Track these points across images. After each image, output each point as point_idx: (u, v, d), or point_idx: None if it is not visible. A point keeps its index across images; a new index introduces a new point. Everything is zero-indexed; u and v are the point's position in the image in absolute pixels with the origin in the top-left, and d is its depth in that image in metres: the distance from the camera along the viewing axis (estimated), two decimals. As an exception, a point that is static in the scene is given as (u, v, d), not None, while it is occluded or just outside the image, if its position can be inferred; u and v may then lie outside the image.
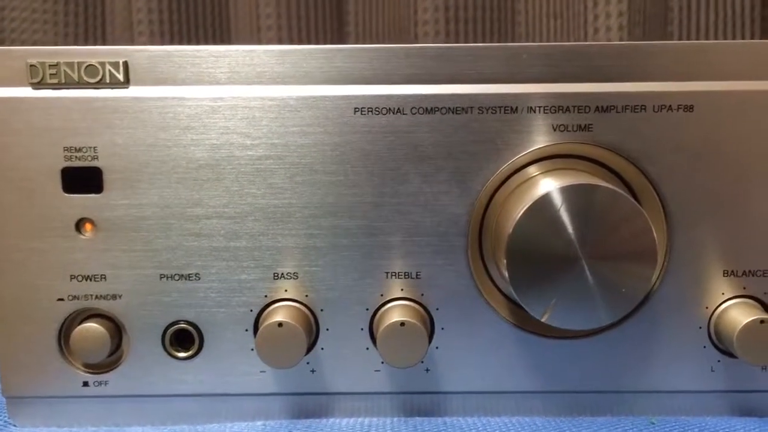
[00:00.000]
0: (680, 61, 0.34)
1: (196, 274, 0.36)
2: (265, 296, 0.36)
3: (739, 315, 0.34)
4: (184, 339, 0.36)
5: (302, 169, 0.35)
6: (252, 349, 0.35)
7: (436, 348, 0.36)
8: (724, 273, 0.35)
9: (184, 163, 0.35)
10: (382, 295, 0.36)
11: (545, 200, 0.32)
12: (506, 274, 0.32)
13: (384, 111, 0.35)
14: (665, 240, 0.35)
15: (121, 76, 0.34)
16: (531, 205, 0.32)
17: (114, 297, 0.36)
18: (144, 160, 0.35)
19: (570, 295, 0.32)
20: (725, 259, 0.35)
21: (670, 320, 0.36)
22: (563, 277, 0.32)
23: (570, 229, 0.32)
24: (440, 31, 0.68)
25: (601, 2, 0.64)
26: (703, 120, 0.34)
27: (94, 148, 0.35)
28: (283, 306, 0.35)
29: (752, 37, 0.66)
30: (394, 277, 0.36)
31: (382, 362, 0.36)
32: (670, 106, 0.34)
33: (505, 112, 0.35)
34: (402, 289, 0.36)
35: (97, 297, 0.36)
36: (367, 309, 0.36)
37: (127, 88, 0.35)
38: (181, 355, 0.36)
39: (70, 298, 0.36)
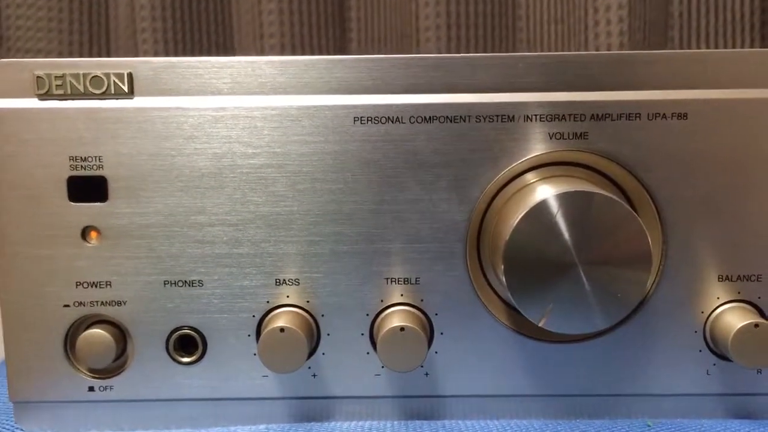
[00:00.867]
0: (674, 69, 0.35)
1: (199, 281, 0.36)
2: (267, 302, 0.36)
3: (734, 319, 0.34)
4: (187, 344, 0.37)
5: (303, 177, 0.36)
6: (254, 354, 0.36)
7: (436, 352, 0.36)
8: (718, 278, 0.36)
9: (187, 172, 0.35)
10: (382, 301, 0.36)
11: (542, 207, 0.32)
12: (504, 279, 0.33)
13: (383, 120, 0.35)
14: (660, 245, 0.35)
15: (125, 87, 0.35)
16: (528, 211, 0.32)
17: (119, 303, 0.36)
18: (148, 169, 0.35)
19: (566, 300, 0.32)
20: (720, 264, 0.36)
21: (666, 324, 0.36)
22: (560, 282, 0.32)
23: (566, 235, 0.32)
24: (442, 37, 0.69)
25: (601, 8, 0.64)
26: (697, 128, 0.35)
27: (99, 157, 0.35)
28: (284, 311, 0.36)
29: (752, 43, 0.66)
30: (393, 282, 0.36)
31: (383, 366, 0.36)
32: (664, 114, 0.35)
33: (502, 121, 0.35)
34: (402, 295, 0.36)
35: (102, 303, 0.36)
36: (368, 314, 0.36)
37: (131, 98, 0.35)
38: (185, 360, 0.37)
39: (76, 304, 0.36)
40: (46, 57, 0.72)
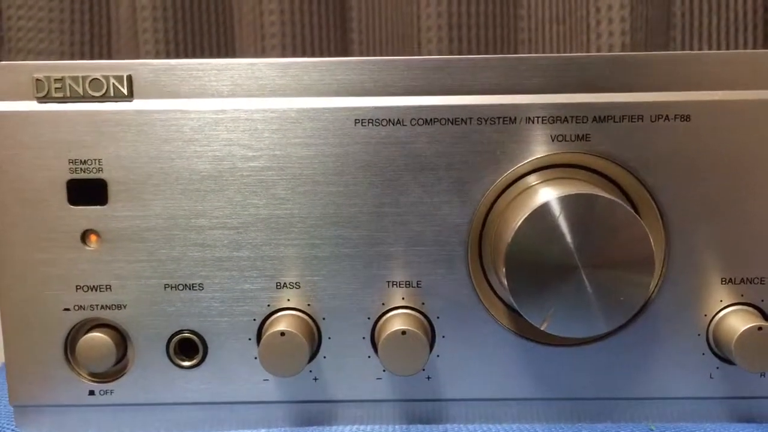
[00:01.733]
0: (676, 71, 0.35)
1: (199, 284, 0.36)
2: (268, 305, 0.36)
3: (737, 322, 0.34)
4: (188, 348, 0.37)
5: (304, 180, 0.35)
6: (255, 358, 0.36)
7: (437, 356, 0.36)
8: (722, 281, 0.36)
9: (187, 175, 0.35)
10: (383, 304, 0.36)
11: (544, 209, 0.32)
12: (506, 282, 0.32)
13: (384, 122, 0.35)
14: (663, 248, 0.35)
15: (125, 90, 0.35)
16: (530, 214, 0.32)
17: (119, 307, 0.36)
18: (148, 171, 0.35)
19: (568, 303, 0.32)
20: (723, 266, 0.35)
21: (669, 328, 0.36)
22: (562, 285, 0.32)
23: (568, 238, 0.32)
24: (443, 38, 0.68)
25: (603, 8, 0.64)
26: (700, 129, 0.35)
27: (99, 160, 0.35)
28: (285, 315, 0.36)
29: (755, 42, 0.66)
30: (395, 286, 0.36)
31: (384, 370, 0.36)
32: (666, 116, 0.35)
33: (504, 123, 0.35)
34: (403, 298, 0.36)
35: (102, 307, 0.36)
36: (369, 318, 0.36)
37: (131, 101, 0.35)
38: (186, 363, 0.37)
39: (76, 308, 0.36)
40: (47, 58, 0.72)
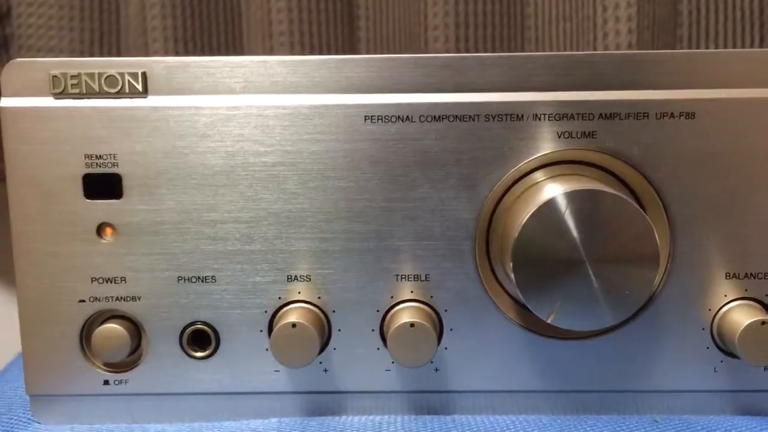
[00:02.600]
0: (682, 69, 0.35)
1: (212, 277, 0.37)
2: (279, 298, 0.37)
3: (741, 317, 0.35)
4: (201, 339, 0.37)
5: (314, 175, 0.36)
6: (266, 349, 0.37)
7: (445, 348, 0.37)
8: (726, 275, 0.36)
9: (200, 170, 0.36)
10: (392, 297, 0.37)
11: (550, 205, 0.32)
12: (513, 276, 0.33)
13: (393, 119, 0.35)
14: (668, 243, 0.36)
15: (139, 86, 0.36)
16: (536, 209, 0.32)
17: (133, 299, 0.37)
18: (162, 167, 0.36)
19: (575, 297, 0.33)
20: (727, 262, 0.36)
21: (674, 321, 0.36)
22: (568, 279, 0.33)
23: (574, 233, 0.32)
24: (450, 37, 0.69)
25: (610, 6, 0.64)
26: (705, 127, 0.35)
27: (114, 155, 0.36)
28: (296, 307, 0.36)
29: (762, 40, 0.66)
30: (404, 279, 0.36)
31: (393, 362, 0.37)
32: (672, 113, 0.35)
33: (511, 120, 0.35)
34: (412, 291, 0.37)
35: (117, 299, 0.37)
36: (378, 310, 0.37)
37: (145, 97, 0.36)
38: (198, 354, 0.37)
39: (92, 299, 0.37)
40: (56, 55, 0.72)
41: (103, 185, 0.36)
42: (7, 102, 0.36)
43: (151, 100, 0.36)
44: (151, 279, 0.37)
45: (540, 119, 0.35)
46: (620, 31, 0.64)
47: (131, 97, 0.36)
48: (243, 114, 0.36)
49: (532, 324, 0.37)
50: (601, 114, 0.35)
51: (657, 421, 0.36)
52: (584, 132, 0.35)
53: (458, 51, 0.67)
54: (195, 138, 0.36)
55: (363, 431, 0.35)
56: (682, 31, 0.68)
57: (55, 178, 0.36)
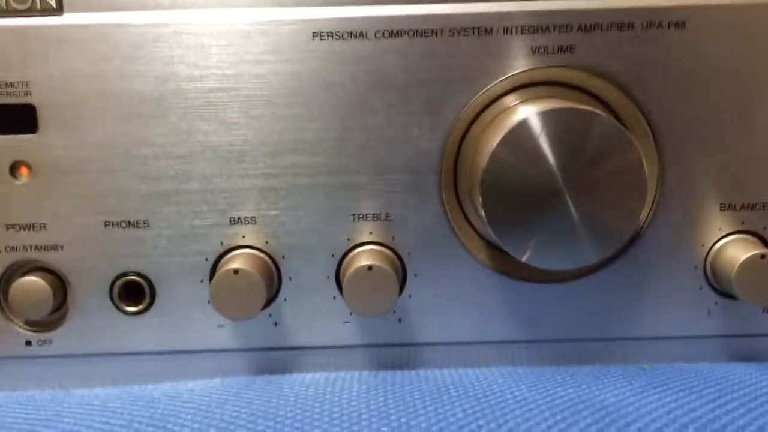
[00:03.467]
0: (671, -29, 0.33)
1: (144, 221, 0.34)
2: (221, 243, 0.34)
3: (738, 251, 0.33)
4: (134, 292, 0.35)
5: (258, 101, 0.33)
6: (208, 302, 0.34)
7: (409, 296, 0.35)
8: (720, 207, 0.34)
9: (126, 98, 0.33)
10: (348, 240, 0.34)
11: (523, 128, 0.30)
12: (482, 212, 0.30)
13: (345, 35, 0.33)
14: (656, 171, 0.34)
15: (53, 2, 0.33)
16: (507, 133, 0.30)
17: (55, 248, 0.34)
18: (82, 94, 0.33)
19: (552, 232, 0.31)
20: (722, 191, 0.34)
21: (663, 259, 0.35)
22: (544, 212, 0.30)
23: (551, 159, 0.30)
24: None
25: None
26: (697, 38, 0.33)
27: (27, 83, 0.33)
28: (240, 254, 0.34)
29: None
30: (361, 219, 0.34)
31: (351, 312, 0.34)
32: (660, 23, 0.33)
33: (479, 34, 0.33)
34: (370, 233, 0.34)
35: (36, 248, 0.34)
36: (333, 255, 0.34)
37: (60, 15, 0.33)
38: (131, 309, 0.35)
39: (8, 249, 0.34)
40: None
41: (15, 117, 0.33)
42: None
43: (67, 18, 0.33)
44: (75, 225, 0.34)
45: (512, 33, 0.33)
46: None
47: (44, 15, 0.33)
48: (173, 32, 0.33)
49: (505, 266, 0.35)
50: (580, 25, 0.33)
51: (645, 369, 0.35)
52: (561, 46, 0.33)
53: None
54: (119, 60, 0.33)
55: (314, 387, 0.32)
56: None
57: (-41, 110, 0.33)
